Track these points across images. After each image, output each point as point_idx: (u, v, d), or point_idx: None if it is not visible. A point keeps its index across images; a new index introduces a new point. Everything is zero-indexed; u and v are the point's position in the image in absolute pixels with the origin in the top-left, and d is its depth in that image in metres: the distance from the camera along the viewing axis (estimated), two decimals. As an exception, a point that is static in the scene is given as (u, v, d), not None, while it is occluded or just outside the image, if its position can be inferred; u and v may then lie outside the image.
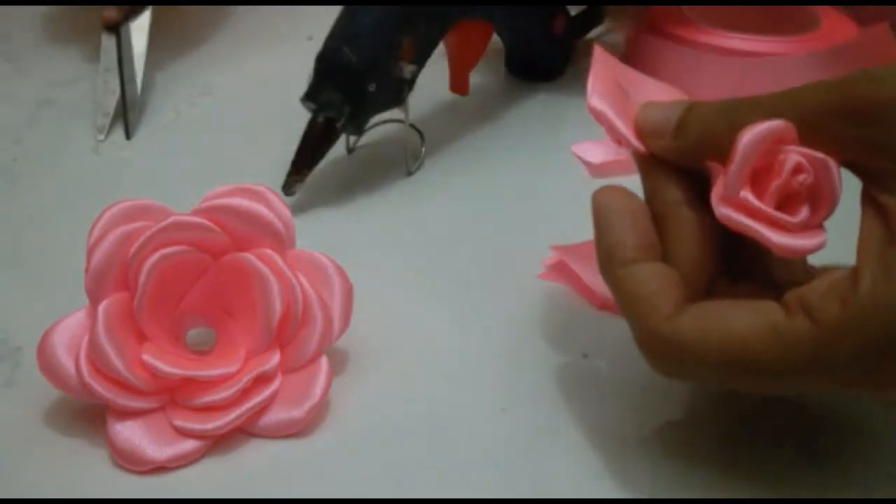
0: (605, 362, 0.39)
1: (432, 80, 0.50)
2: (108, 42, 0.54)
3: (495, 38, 0.53)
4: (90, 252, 0.36)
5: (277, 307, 0.36)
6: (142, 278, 0.36)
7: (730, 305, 0.32)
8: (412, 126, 0.50)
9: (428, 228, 0.46)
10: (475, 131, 0.53)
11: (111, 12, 0.54)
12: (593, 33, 0.61)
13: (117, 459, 0.35)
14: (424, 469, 0.35)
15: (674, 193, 0.34)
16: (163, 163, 0.51)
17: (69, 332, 0.36)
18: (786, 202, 0.32)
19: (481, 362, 0.39)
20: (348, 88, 0.46)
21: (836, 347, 0.29)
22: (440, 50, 0.49)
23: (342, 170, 0.50)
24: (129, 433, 0.35)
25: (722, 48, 0.54)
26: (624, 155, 0.38)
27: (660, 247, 0.34)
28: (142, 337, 0.36)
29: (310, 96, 0.46)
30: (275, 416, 0.36)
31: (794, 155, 0.32)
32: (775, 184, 0.32)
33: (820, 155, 0.32)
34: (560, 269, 0.42)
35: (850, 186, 0.32)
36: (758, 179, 0.32)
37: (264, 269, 0.37)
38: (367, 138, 0.51)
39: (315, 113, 0.46)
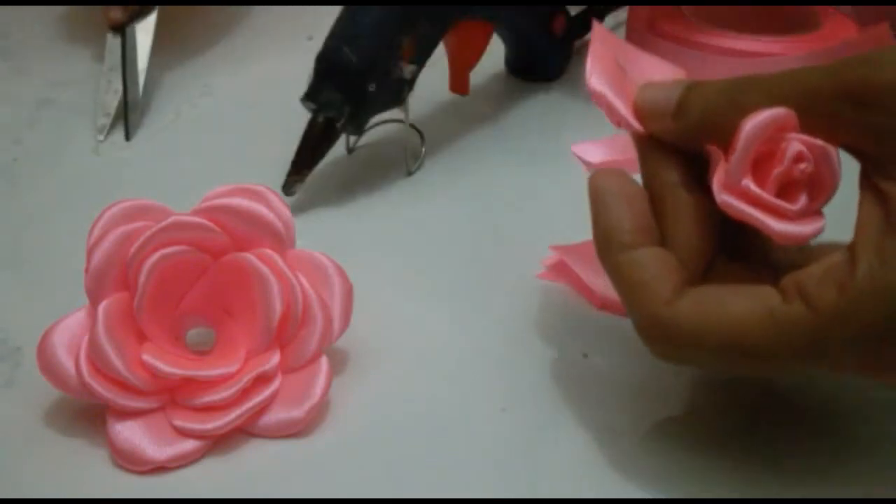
0: (605, 362, 0.39)
1: (432, 80, 0.50)
2: (113, 42, 0.54)
3: (495, 38, 0.53)
4: (90, 252, 0.36)
5: (277, 307, 0.36)
6: (142, 278, 0.36)
7: (728, 291, 0.32)
8: (412, 126, 0.50)
9: (428, 228, 0.46)
10: (475, 131, 0.53)
11: (116, 13, 0.54)
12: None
13: (117, 459, 0.35)
14: (424, 469, 0.35)
15: (672, 175, 0.34)
16: (163, 163, 0.51)
17: (69, 332, 0.36)
18: (785, 189, 0.32)
19: (481, 362, 0.39)
20: (348, 88, 0.46)
21: (833, 333, 0.30)
22: (440, 50, 0.49)
23: (342, 170, 0.50)
24: (129, 433, 0.35)
25: (722, 48, 0.54)
26: (623, 155, 0.38)
27: (657, 230, 0.34)
28: (142, 337, 0.36)
29: (310, 96, 0.46)
30: (275, 416, 0.36)
31: (796, 143, 0.32)
32: (776, 171, 0.32)
33: (821, 143, 0.32)
34: (560, 269, 0.42)
35: (848, 168, 0.32)
36: (758, 166, 0.32)
37: (264, 269, 0.37)
38: (367, 138, 0.51)
39: (315, 113, 0.46)
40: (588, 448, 0.36)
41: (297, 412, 0.36)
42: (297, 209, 0.46)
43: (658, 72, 0.37)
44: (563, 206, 0.42)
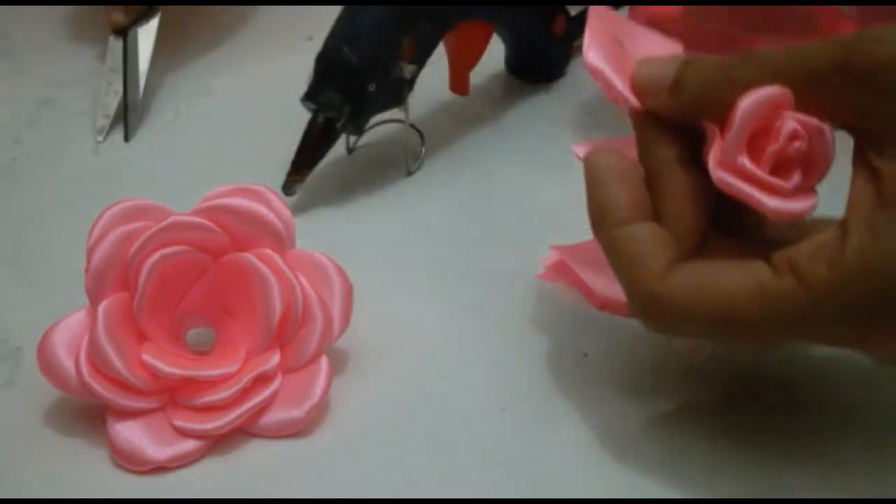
0: (605, 362, 0.39)
1: (432, 80, 0.50)
2: (115, 44, 0.54)
3: (495, 38, 0.53)
4: (90, 252, 0.36)
5: (277, 307, 0.36)
6: (142, 278, 0.36)
7: (721, 266, 0.32)
8: (412, 126, 0.50)
9: (428, 228, 0.46)
10: (475, 131, 0.52)
11: (119, 17, 0.54)
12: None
13: (117, 459, 0.35)
14: (424, 469, 0.35)
15: (668, 151, 0.34)
16: (163, 163, 0.51)
17: (69, 332, 0.36)
18: (780, 166, 0.33)
19: (481, 362, 0.39)
20: (348, 88, 0.46)
21: (824, 308, 0.30)
22: (440, 50, 0.49)
23: (342, 170, 0.50)
24: (129, 433, 0.35)
25: (722, 48, 0.54)
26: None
27: (651, 206, 0.34)
28: (142, 337, 0.36)
29: (310, 96, 0.46)
30: (275, 416, 0.36)
31: (791, 121, 0.32)
32: (771, 149, 0.32)
33: (815, 121, 0.32)
34: (560, 269, 0.42)
35: (840, 147, 0.32)
36: (753, 143, 0.32)
37: (264, 269, 0.37)
38: (367, 138, 0.51)
39: (315, 113, 0.46)
40: (588, 447, 0.36)
41: (297, 412, 0.36)
42: (297, 209, 0.46)
43: (656, 48, 0.37)
44: (563, 206, 0.42)
